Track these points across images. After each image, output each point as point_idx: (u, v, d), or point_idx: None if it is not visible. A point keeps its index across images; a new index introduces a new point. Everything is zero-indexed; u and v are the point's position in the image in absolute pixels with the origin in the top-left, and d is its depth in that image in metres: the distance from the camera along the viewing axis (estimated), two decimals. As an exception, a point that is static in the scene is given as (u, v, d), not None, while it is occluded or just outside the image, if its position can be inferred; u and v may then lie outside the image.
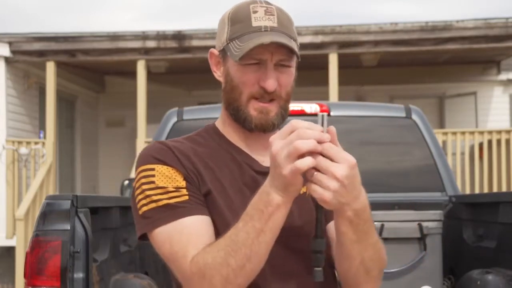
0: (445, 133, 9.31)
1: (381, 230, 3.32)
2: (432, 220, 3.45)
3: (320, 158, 1.31)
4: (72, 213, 2.36)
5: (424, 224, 3.42)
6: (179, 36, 9.63)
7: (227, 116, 1.66)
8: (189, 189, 1.53)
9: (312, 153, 1.30)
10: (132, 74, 9.91)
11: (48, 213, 2.37)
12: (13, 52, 9.65)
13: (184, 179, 1.53)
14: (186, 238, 1.47)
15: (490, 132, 9.37)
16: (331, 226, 1.62)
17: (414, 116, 4.03)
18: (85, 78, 11.87)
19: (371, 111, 4.15)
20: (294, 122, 1.33)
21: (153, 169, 1.53)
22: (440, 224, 3.48)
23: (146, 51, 9.71)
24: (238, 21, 1.57)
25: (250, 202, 1.41)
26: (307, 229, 1.58)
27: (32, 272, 2.33)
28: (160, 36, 9.66)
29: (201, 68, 11.19)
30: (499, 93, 11.81)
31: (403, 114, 4.05)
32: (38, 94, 10.65)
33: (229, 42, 1.57)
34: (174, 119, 4.05)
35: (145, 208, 1.52)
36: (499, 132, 9.35)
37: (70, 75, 11.10)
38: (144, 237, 1.55)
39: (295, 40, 1.58)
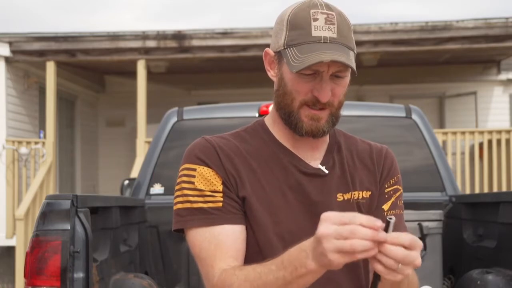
0: (445, 133, 9.31)
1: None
2: (432, 220, 3.45)
3: (406, 235, 1.31)
4: (72, 213, 2.36)
5: (424, 224, 3.42)
6: (179, 36, 9.63)
7: (278, 117, 1.66)
8: (226, 194, 1.57)
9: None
10: (132, 74, 9.91)
11: (48, 213, 2.37)
12: (13, 52, 9.65)
13: (223, 183, 1.58)
14: (214, 247, 1.54)
15: (490, 132, 9.37)
16: None
17: (414, 116, 4.03)
18: (85, 78, 11.87)
19: (371, 111, 4.15)
20: (352, 216, 1.29)
21: (194, 170, 1.59)
22: (440, 224, 3.48)
23: (146, 51, 9.71)
24: (297, 26, 1.55)
25: (290, 250, 1.39)
26: None
27: (32, 272, 2.33)
28: (160, 36, 9.66)
29: (201, 68, 11.23)
30: (499, 93, 11.81)
31: (403, 114, 4.05)
32: (38, 94, 10.65)
33: (287, 48, 1.56)
34: (174, 119, 4.05)
35: (180, 206, 1.59)
36: (499, 132, 9.35)
37: (70, 75, 11.09)
38: (177, 230, 1.63)
39: (353, 50, 1.57)
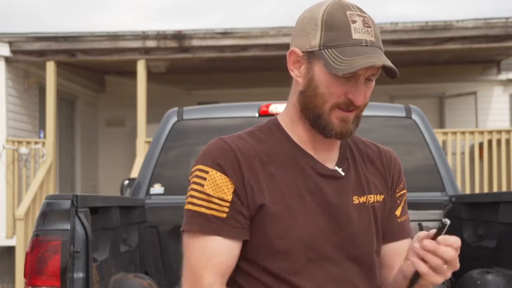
0: (445, 133, 9.31)
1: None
2: (432, 220, 3.45)
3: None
4: (72, 213, 2.36)
5: (424, 224, 3.42)
6: (179, 36, 9.63)
7: (299, 117, 1.62)
8: (233, 204, 1.54)
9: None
10: (132, 74, 9.91)
11: (48, 212, 2.36)
12: (13, 52, 9.64)
13: (234, 191, 1.54)
14: (206, 259, 1.53)
15: (490, 132, 9.37)
16: (396, 250, 1.69)
17: (414, 116, 4.02)
18: (85, 78, 11.87)
19: (371, 111, 4.14)
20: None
21: (207, 172, 1.55)
22: (440, 224, 3.47)
23: (146, 51, 9.71)
24: (335, 28, 1.53)
25: None
26: (365, 238, 1.62)
27: (32, 272, 2.33)
28: (160, 36, 9.66)
29: (201, 68, 11.23)
30: (499, 93, 11.81)
31: (403, 114, 4.04)
32: (38, 94, 10.65)
33: (324, 49, 1.53)
34: (174, 119, 4.05)
35: (186, 206, 1.58)
36: (499, 132, 9.35)
37: (70, 74, 11.09)
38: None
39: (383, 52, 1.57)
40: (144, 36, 9.70)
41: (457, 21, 9.39)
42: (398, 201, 1.72)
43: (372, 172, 1.69)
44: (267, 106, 3.89)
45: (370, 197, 1.64)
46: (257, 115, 3.89)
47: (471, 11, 36.36)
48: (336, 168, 1.63)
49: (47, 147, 9.43)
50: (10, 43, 9.61)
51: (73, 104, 11.93)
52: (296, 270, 1.53)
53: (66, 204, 2.36)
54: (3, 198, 9.42)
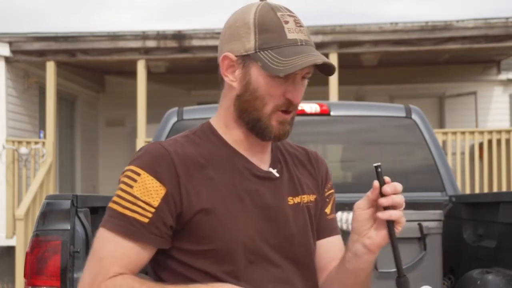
0: (445, 133, 9.31)
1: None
2: (432, 220, 3.45)
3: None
4: (72, 213, 2.36)
5: (424, 224, 3.42)
6: (179, 36, 9.63)
7: (235, 121, 1.63)
8: (158, 211, 1.51)
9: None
10: (132, 74, 9.91)
11: (48, 212, 2.37)
12: (13, 52, 9.65)
13: (163, 197, 1.51)
14: (119, 255, 1.52)
15: (490, 132, 9.37)
16: (329, 245, 1.71)
17: (414, 116, 4.03)
18: (85, 78, 11.87)
19: (371, 111, 4.15)
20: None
21: (139, 175, 1.52)
22: (440, 224, 3.47)
23: (146, 51, 9.71)
24: (268, 30, 1.53)
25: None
26: (302, 238, 1.63)
27: (32, 272, 2.33)
28: (160, 36, 9.66)
29: (201, 68, 11.23)
30: (499, 93, 11.81)
31: (403, 114, 4.04)
32: (38, 94, 10.65)
33: (260, 51, 1.53)
34: (174, 119, 4.05)
35: (110, 204, 1.55)
36: (499, 132, 9.35)
37: (70, 74, 11.09)
38: None
39: None
40: (144, 36, 9.70)
41: (457, 21, 9.39)
42: (327, 200, 1.75)
43: (303, 173, 1.71)
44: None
45: (304, 197, 1.66)
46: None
47: (471, 11, 36.38)
48: (271, 169, 1.64)
49: (47, 147, 9.43)
50: (10, 43, 9.61)
51: (73, 104, 11.93)
52: (237, 272, 1.52)
53: (66, 204, 2.36)
54: (3, 198, 9.42)
